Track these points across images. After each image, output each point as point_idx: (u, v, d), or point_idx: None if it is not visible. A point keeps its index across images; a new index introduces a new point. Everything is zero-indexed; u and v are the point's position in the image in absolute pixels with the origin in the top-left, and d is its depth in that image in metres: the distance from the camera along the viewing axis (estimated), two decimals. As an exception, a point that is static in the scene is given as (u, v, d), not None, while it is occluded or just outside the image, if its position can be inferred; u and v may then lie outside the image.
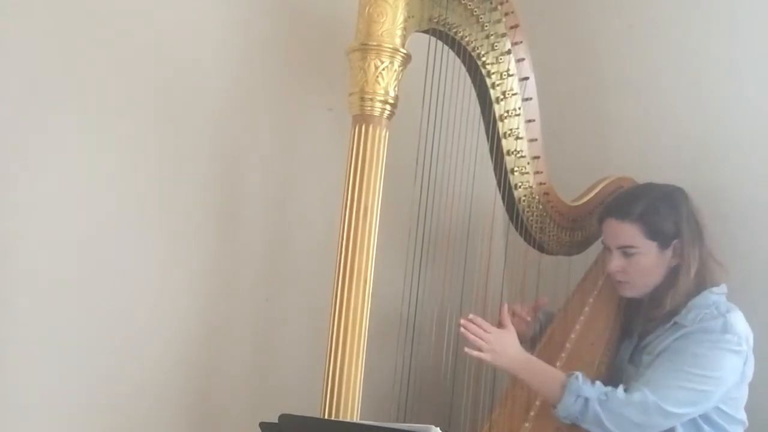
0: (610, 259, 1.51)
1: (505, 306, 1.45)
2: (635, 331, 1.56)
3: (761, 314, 1.47)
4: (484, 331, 1.37)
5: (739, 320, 1.40)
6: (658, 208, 1.46)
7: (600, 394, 1.33)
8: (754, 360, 1.43)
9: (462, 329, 1.37)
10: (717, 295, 1.44)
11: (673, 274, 1.47)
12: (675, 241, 1.46)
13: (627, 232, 1.46)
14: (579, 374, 1.36)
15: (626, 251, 1.47)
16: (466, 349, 1.37)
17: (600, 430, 1.33)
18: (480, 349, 1.36)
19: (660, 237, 1.46)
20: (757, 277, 1.64)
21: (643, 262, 1.47)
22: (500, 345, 1.38)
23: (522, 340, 1.64)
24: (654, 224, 1.45)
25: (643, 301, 1.56)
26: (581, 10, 2.03)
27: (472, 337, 1.36)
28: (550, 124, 1.51)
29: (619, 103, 1.96)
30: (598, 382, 1.36)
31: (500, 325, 1.42)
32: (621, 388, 1.35)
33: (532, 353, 1.58)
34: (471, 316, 1.39)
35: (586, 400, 1.32)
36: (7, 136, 1.22)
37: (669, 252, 1.47)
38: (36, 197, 1.26)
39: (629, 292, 1.53)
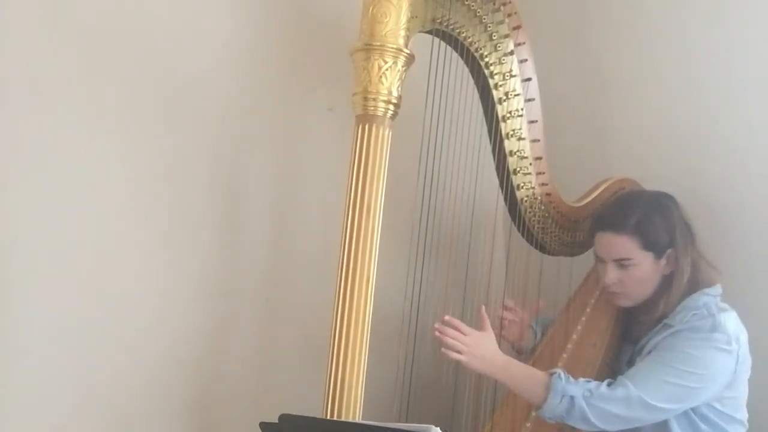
0: (605, 272, 1.49)
1: (482, 308, 1.40)
2: (634, 335, 1.57)
3: (760, 314, 1.47)
4: (462, 333, 1.34)
5: (729, 320, 1.39)
6: (652, 219, 1.45)
7: (585, 391, 1.32)
8: (754, 360, 1.43)
9: (437, 333, 1.33)
10: (710, 296, 1.44)
11: (667, 282, 1.47)
12: (669, 250, 1.46)
13: (623, 244, 1.45)
14: (560, 372, 1.34)
15: (622, 263, 1.46)
16: (443, 350, 1.33)
17: (585, 425, 1.33)
18: (459, 352, 1.33)
19: (655, 248, 1.45)
20: (756, 279, 1.65)
21: (638, 274, 1.46)
22: (478, 347, 1.34)
23: (521, 351, 1.64)
24: (649, 235, 1.44)
25: (630, 310, 1.56)
26: (581, 10, 2.04)
27: (448, 340, 1.32)
28: (550, 124, 1.51)
29: (619, 103, 1.96)
30: (581, 379, 1.35)
31: (479, 328, 1.38)
32: (605, 383, 1.34)
33: (533, 356, 1.59)
34: (447, 317, 1.35)
35: (572, 398, 1.31)
36: (8, 137, 1.22)
37: (663, 261, 1.46)
38: (37, 198, 1.26)
39: (624, 302, 1.52)
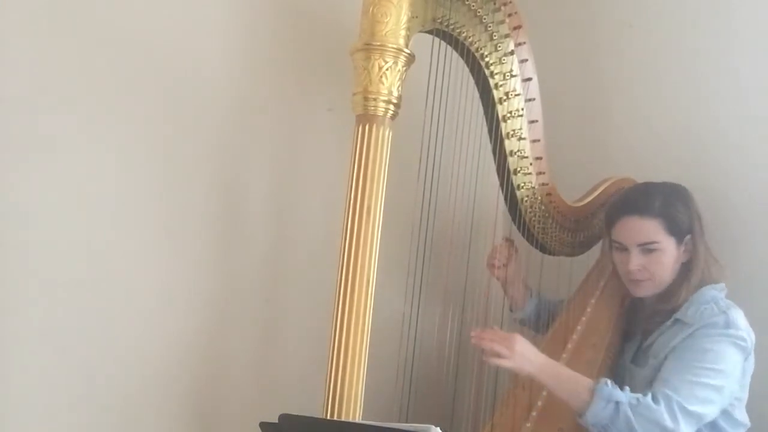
0: (628, 259, 1.48)
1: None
2: (637, 332, 1.56)
3: (761, 314, 1.47)
4: (500, 338, 1.32)
5: (740, 317, 1.41)
6: (674, 204, 1.47)
7: (631, 399, 1.29)
8: (754, 360, 1.43)
9: (474, 341, 1.31)
10: (717, 291, 1.45)
11: (685, 270, 1.48)
12: (687, 237, 1.47)
13: (649, 227, 1.45)
14: (607, 380, 1.31)
15: (648, 248, 1.46)
16: (485, 357, 1.31)
17: None
18: (500, 356, 1.30)
19: (678, 232, 1.46)
20: (756, 277, 1.65)
21: (663, 259, 1.46)
22: (519, 345, 1.32)
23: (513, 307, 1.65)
24: (673, 219, 1.46)
25: (644, 301, 1.56)
26: (581, 9, 2.04)
27: (489, 344, 1.31)
28: (550, 124, 1.51)
29: (619, 103, 1.96)
30: (626, 387, 1.32)
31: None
32: (649, 395, 1.30)
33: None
34: (476, 332, 1.33)
35: (617, 404, 1.27)
36: (8, 137, 1.21)
37: (682, 248, 1.47)
38: (38, 199, 1.25)
39: (646, 291, 1.50)
